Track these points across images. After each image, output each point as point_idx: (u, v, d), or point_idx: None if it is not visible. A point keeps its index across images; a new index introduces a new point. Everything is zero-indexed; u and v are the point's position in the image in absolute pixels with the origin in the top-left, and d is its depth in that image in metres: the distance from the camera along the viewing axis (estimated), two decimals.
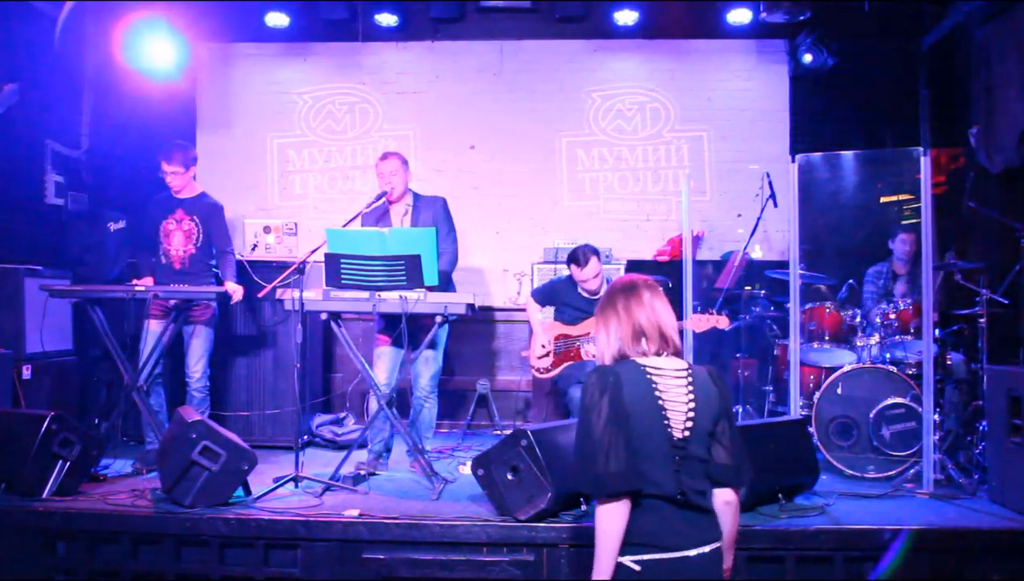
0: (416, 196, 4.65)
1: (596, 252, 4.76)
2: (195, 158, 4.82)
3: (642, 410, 2.13)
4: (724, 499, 2.24)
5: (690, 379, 2.21)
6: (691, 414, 2.17)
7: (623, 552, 2.13)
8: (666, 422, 2.15)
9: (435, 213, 4.56)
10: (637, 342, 2.24)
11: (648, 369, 2.19)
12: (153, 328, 4.63)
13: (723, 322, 4.44)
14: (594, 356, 4.72)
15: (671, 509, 2.13)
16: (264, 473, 4.13)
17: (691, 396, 2.18)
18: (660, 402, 2.16)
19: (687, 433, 2.16)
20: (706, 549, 2.14)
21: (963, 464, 4.48)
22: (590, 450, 2.12)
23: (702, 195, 6.70)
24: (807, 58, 6.29)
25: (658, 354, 2.24)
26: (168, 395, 4.84)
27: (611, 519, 2.12)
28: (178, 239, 4.77)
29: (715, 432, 2.22)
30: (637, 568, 2.11)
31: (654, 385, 2.17)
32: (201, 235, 4.78)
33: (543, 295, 5.06)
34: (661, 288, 2.34)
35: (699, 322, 4.45)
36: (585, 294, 4.85)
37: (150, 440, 4.63)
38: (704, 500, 2.18)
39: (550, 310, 5.11)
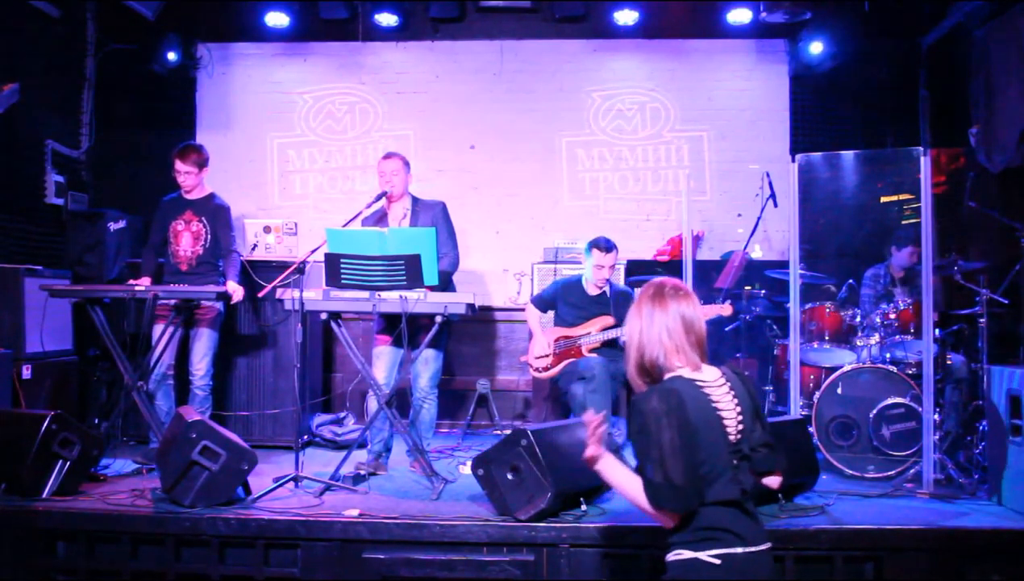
0: (415, 199, 4.64)
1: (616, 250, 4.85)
2: (207, 160, 4.88)
3: (705, 424, 2.14)
4: (771, 485, 2.32)
5: (730, 384, 2.24)
6: (740, 417, 2.21)
7: (699, 548, 2.13)
8: (725, 430, 2.18)
9: (434, 217, 4.54)
10: (664, 351, 2.22)
11: (698, 382, 2.20)
12: (160, 331, 4.65)
13: (727, 310, 4.48)
14: (592, 352, 4.73)
15: (735, 510, 2.17)
16: (264, 473, 4.12)
17: (736, 400, 2.22)
18: (717, 413, 2.17)
19: (739, 435, 2.20)
20: (767, 546, 2.19)
21: (963, 464, 4.47)
22: (654, 462, 2.10)
23: (702, 195, 6.70)
24: (817, 47, 6.23)
25: (695, 367, 2.23)
26: (177, 395, 4.85)
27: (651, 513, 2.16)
28: (186, 240, 4.82)
29: (755, 427, 2.26)
30: (717, 561, 2.12)
31: (708, 396, 2.18)
32: (209, 236, 4.84)
33: (543, 301, 5.06)
34: (693, 296, 2.29)
35: (704, 312, 4.49)
36: (591, 291, 4.85)
37: (154, 441, 4.63)
38: (752, 501, 2.23)
39: (549, 315, 5.11)
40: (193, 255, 4.83)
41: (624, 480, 2.21)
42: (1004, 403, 3.87)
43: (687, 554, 2.15)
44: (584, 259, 4.92)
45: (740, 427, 2.20)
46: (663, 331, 2.22)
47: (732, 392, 2.22)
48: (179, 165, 4.79)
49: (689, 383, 2.18)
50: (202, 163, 4.83)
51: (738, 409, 2.21)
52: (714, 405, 2.17)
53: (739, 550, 2.12)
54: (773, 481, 2.30)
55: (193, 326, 4.76)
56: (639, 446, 2.16)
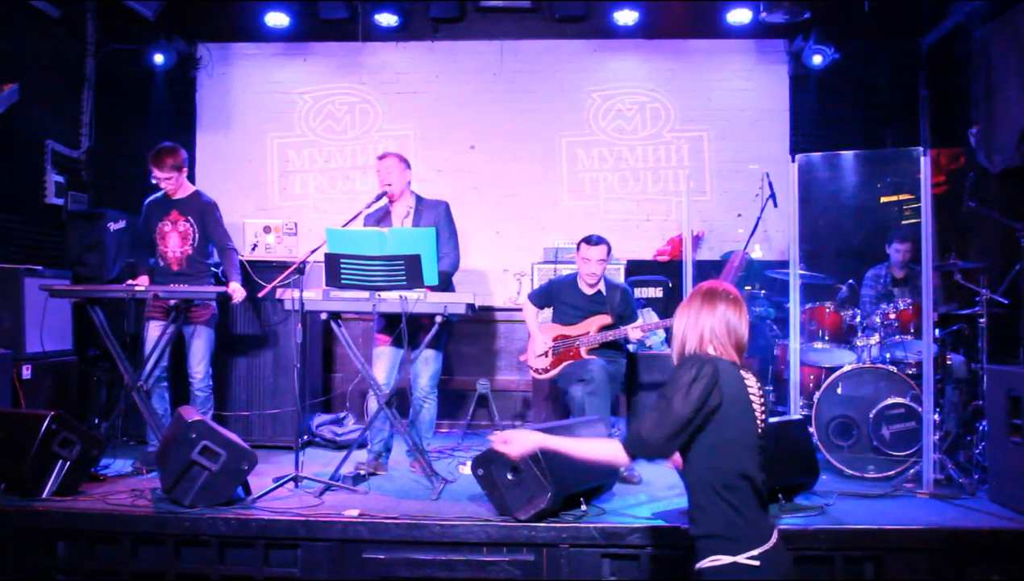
0: (419, 198, 4.64)
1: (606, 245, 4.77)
2: (185, 159, 4.75)
3: (737, 402, 2.28)
4: None
5: (759, 388, 2.38)
6: (763, 412, 2.36)
7: (737, 551, 2.21)
8: (754, 416, 2.32)
9: (437, 216, 4.55)
10: (703, 346, 2.36)
11: (738, 366, 2.36)
12: (153, 329, 4.63)
13: None
14: (591, 354, 4.72)
15: (758, 498, 2.28)
16: (264, 473, 4.12)
17: (762, 401, 2.37)
18: (751, 398, 2.32)
19: (761, 428, 2.35)
20: (777, 534, 2.31)
21: (963, 464, 4.48)
22: (659, 420, 2.26)
23: (702, 195, 6.70)
24: (817, 59, 6.29)
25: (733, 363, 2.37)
26: (172, 397, 4.81)
27: (620, 462, 2.37)
28: (174, 241, 4.74)
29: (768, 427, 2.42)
30: (756, 563, 2.20)
31: (744, 379, 2.33)
32: (197, 235, 4.75)
33: (540, 297, 5.04)
34: (743, 303, 2.43)
35: None
36: (586, 290, 4.84)
37: (152, 442, 4.62)
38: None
39: (547, 313, 5.10)
40: (183, 255, 4.74)
41: (573, 444, 2.49)
42: (1004, 403, 3.86)
43: (725, 559, 2.21)
44: (576, 258, 4.88)
45: (763, 418, 2.35)
46: (706, 329, 2.36)
47: (760, 394, 2.37)
48: (157, 173, 4.63)
49: (730, 363, 2.33)
50: (179, 165, 4.67)
51: (763, 405, 2.36)
52: (748, 389, 2.32)
53: (767, 546, 2.22)
54: None
55: (189, 328, 4.68)
56: (657, 399, 2.31)
